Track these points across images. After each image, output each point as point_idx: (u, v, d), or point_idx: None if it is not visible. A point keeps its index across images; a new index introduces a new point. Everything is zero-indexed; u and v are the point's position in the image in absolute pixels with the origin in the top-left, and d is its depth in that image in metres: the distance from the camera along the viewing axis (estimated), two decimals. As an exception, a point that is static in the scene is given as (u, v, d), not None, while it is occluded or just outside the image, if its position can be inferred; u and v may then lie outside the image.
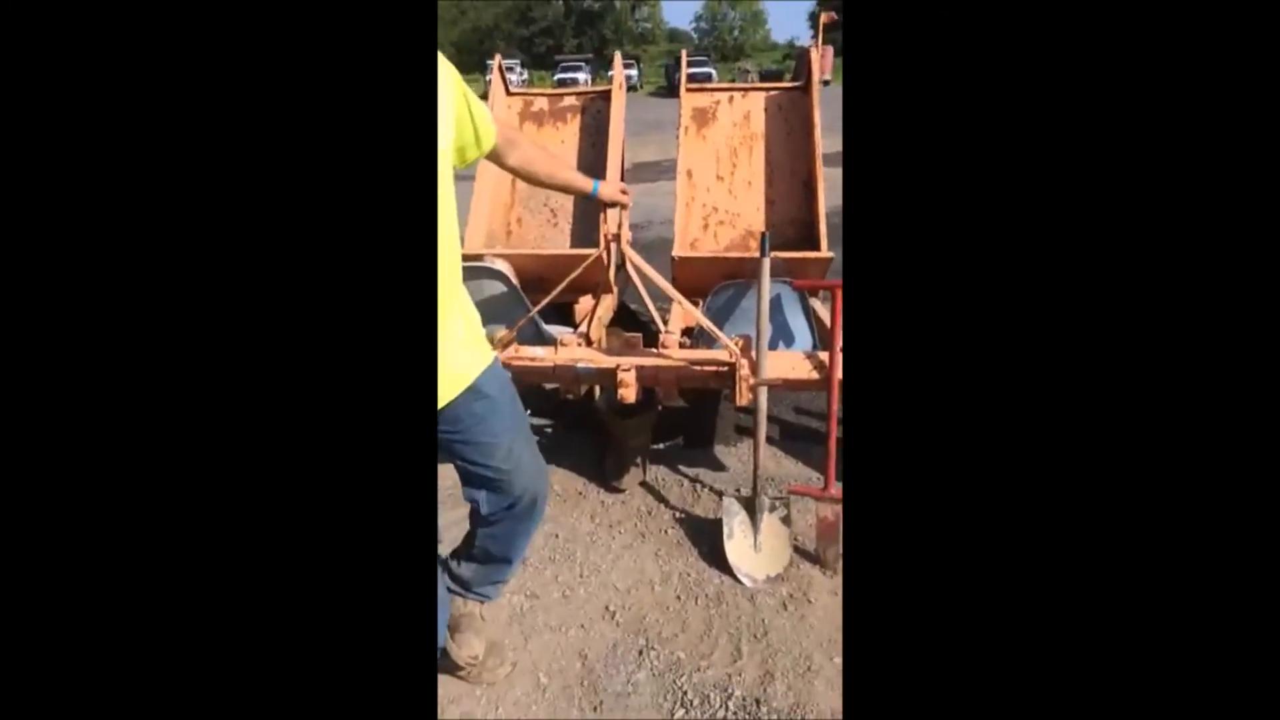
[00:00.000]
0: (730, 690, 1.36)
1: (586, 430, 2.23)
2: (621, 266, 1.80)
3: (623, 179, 2.56)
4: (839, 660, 1.42)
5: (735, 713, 1.32)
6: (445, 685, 1.38)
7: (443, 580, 1.39)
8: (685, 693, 1.36)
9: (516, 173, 1.34)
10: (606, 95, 2.58)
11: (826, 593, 1.60)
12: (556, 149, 2.57)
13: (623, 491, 1.99)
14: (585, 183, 1.46)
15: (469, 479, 1.22)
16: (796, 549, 1.71)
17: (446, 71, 1.02)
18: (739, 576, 1.64)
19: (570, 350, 1.77)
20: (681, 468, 2.12)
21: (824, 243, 2.25)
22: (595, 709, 1.33)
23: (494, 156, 1.26)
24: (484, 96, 2.60)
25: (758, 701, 1.34)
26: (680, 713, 1.32)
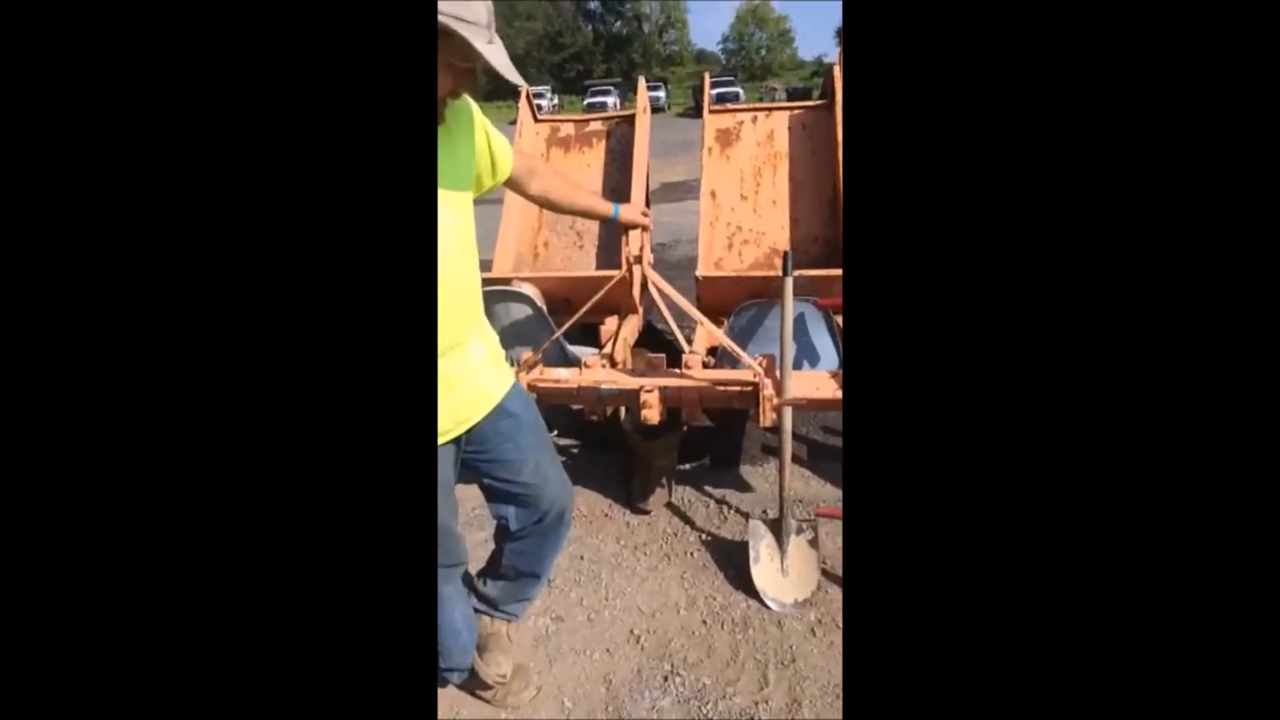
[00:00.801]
0: (756, 718, 1.33)
1: (612, 451, 2.24)
2: (647, 288, 1.81)
3: (647, 202, 2.59)
4: (870, 690, 1.37)
5: (762, 742, 1.29)
6: (470, 708, 1.38)
7: (471, 600, 1.40)
8: (711, 720, 1.34)
9: (537, 200, 1.37)
10: (631, 119, 2.62)
11: (857, 619, 1.56)
12: (582, 173, 2.62)
13: (648, 513, 1.98)
14: (605, 207, 1.48)
15: (496, 496, 1.24)
16: (825, 572, 1.68)
17: (467, 106, 1.07)
18: (766, 601, 1.61)
19: (594, 371, 1.78)
20: (708, 489, 2.10)
21: (850, 260, 2.22)
22: (619, 735, 1.32)
23: (515, 186, 1.30)
24: (514, 123, 2.69)
25: (785, 731, 1.31)
26: (706, 741, 1.30)
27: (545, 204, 1.40)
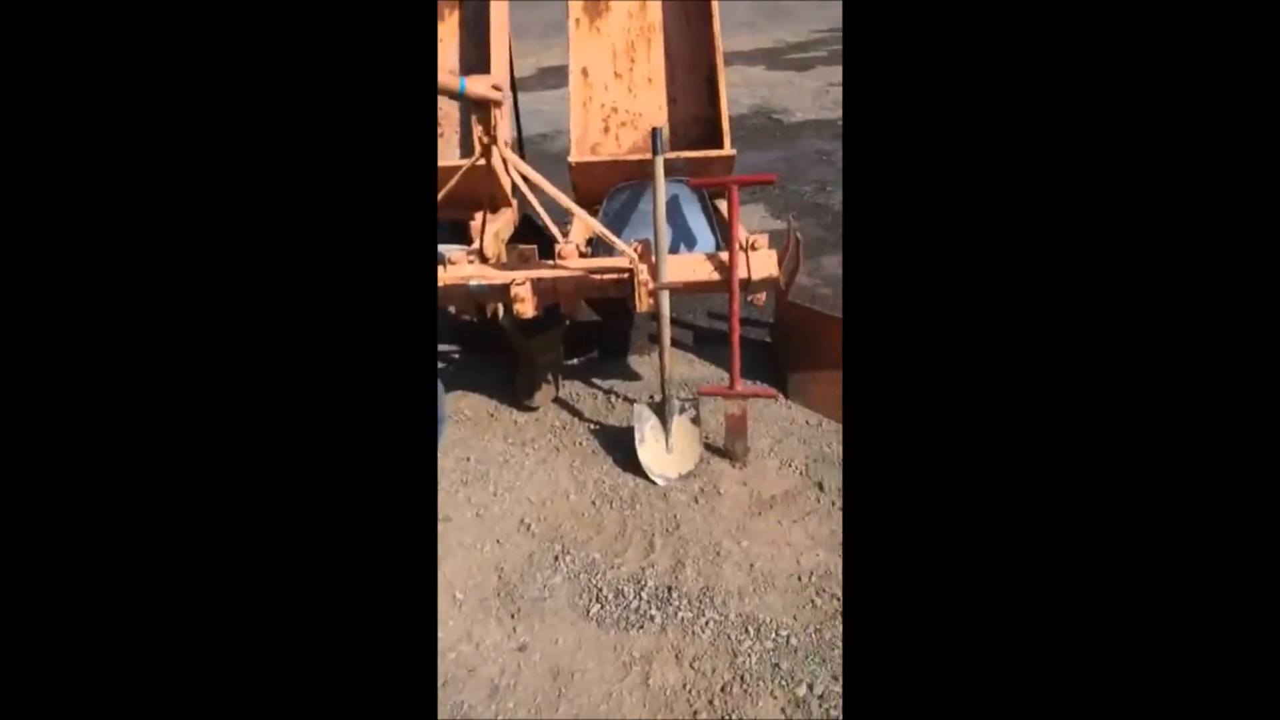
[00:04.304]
0: (644, 582, 1.42)
1: (495, 353, 2.18)
2: (524, 179, 1.69)
3: (513, 84, 2.37)
4: (746, 544, 1.49)
5: (649, 601, 1.38)
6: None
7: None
8: (600, 589, 1.41)
9: None
10: (488, -15, 2.34)
11: (735, 484, 1.67)
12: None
13: (535, 409, 1.97)
14: (450, 81, 1.33)
15: None
16: (707, 446, 1.76)
17: None
18: (652, 477, 1.68)
19: (460, 268, 1.68)
20: (596, 380, 2.11)
21: (727, 140, 2.18)
22: (513, 616, 1.36)
23: None
24: None
25: (669, 589, 1.40)
26: (596, 608, 1.37)
27: None
